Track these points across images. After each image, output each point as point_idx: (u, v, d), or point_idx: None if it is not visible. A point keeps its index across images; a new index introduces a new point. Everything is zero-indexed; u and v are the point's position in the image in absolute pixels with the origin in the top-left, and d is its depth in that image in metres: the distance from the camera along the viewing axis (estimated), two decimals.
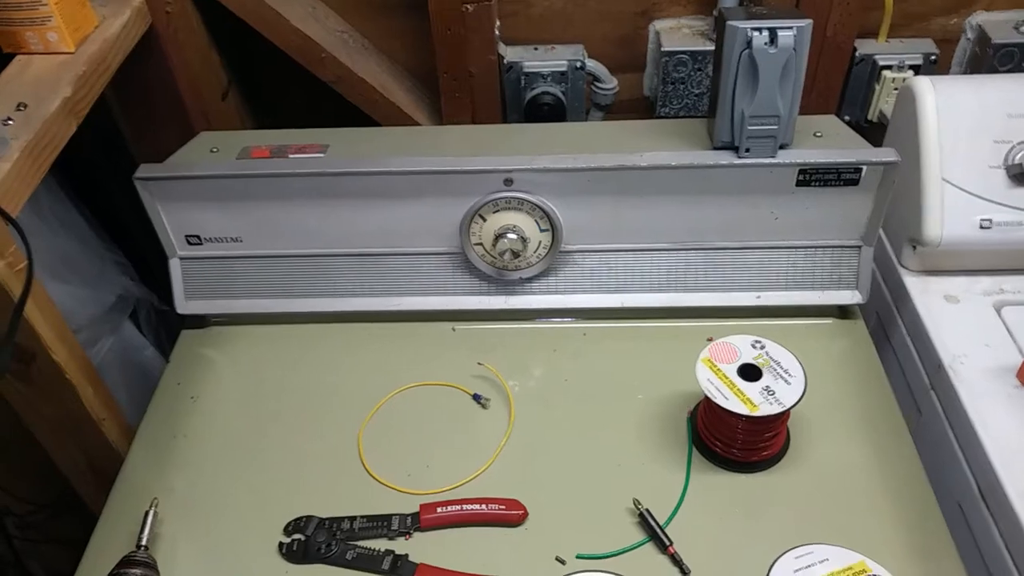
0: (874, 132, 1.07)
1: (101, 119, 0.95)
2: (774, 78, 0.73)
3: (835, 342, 0.84)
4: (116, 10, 0.91)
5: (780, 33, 0.71)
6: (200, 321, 0.89)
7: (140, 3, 0.94)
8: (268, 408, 0.81)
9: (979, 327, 0.84)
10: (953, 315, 0.86)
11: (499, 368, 0.82)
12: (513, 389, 0.80)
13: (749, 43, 0.72)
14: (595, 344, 0.85)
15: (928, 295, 0.88)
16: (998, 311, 0.86)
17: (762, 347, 0.71)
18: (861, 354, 0.83)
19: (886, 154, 0.77)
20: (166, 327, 1.27)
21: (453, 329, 0.87)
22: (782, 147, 0.78)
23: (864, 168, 0.77)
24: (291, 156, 0.83)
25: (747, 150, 0.77)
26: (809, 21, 0.72)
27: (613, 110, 1.14)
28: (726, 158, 0.78)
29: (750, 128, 0.75)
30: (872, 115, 1.08)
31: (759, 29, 0.71)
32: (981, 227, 0.85)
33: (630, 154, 0.78)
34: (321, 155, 0.83)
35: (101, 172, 1.20)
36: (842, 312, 0.86)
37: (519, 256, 0.81)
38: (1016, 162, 0.84)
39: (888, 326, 0.93)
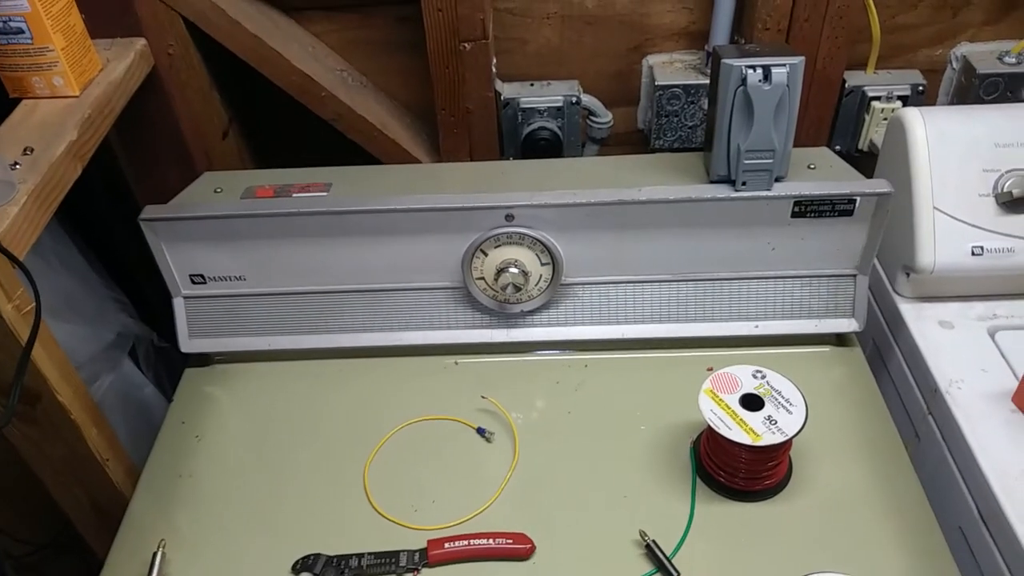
0: (865, 161, 1.09)
1: (102, 157, 0.97)
2: (769, 114, 0.75)
3: (833, 370, 0.85)
4: (120, 53, 0.93)
5: (774, 70, 0.73)
6: (204, 359, 0.90)
7: (143, 46, 0.95)
8: (273, 446, 0.81)
9: (974, 352, 0.86)
10: (948, 341, 0.87)
11: (502, 401, 0.82)
12: (517, 422, 0.81)
13: (744, 80, 0.74)
14: (597, 376, 0.86)
15: (923, 321, 0.90)
16: (992, 336, 0.88)
17: (763, 377, 0.72)
18: (859, 381, 0.84)
19: (879, 185, 0.79)
20: (165, 364, 1.27)
21: (456, 363, 0.87)
22: (777, 180, 0.80)
23: (858, 199, 0.79)
24: (295, 195, 0.84)
25: (743, 183, 0.79)
26: (802, 58, 0.74)
27: (608, 143, 1.16)
28: (723, 191, 0.79)
29: (746, 162, 0.77)
30: (863, 145, 1.11)
31: (753, 67, 0.73)
32: (973, 254, 0.87)
33: (629, 189, 0.80)
34: (324, 194, 0.84)
35: (101, 210, 1.21)
36: (839, 340, 0.88)
37: (521, 290, 0.82)
38: (1005, 190, 0.86)
39: (884, 352, 0.95)
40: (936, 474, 0.81)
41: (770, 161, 0.77)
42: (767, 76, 0.74)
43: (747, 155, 0.77)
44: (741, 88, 0.74)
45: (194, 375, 0.89)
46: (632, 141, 1.19)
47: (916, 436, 0.86)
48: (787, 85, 0.74)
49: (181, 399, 0.86)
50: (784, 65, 0.74)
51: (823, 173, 0.83)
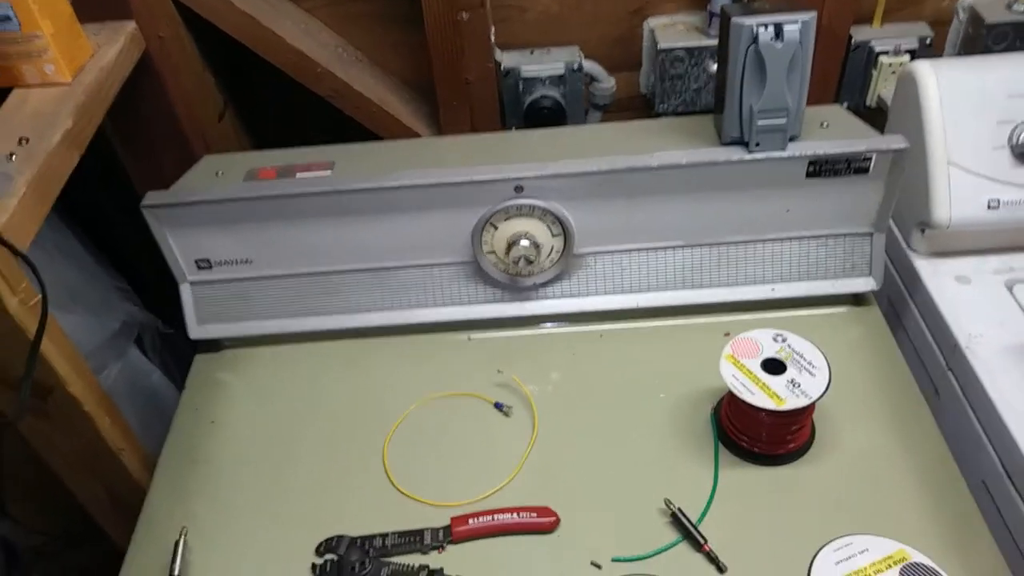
0: (873, 117, 1.07)
1: (97, 144, 0.95)
2: (781, 72, 0.73)
3: (851, 329, 0.84)
4: (110, 38, 0.90)
5: (786, 27, 0.71)
6: (214, 345, 0.88)
7: (133, 30, 0.93)
8: (289, 429, 0.80)
9: (992, 306, 0.85)
10: (965, 296, 0.86)
11: (518, 375, 0.81)
12: (534, 395, 0.80)
13: (755, 39, 0.72)
14: (613, 346, 0.85)
15: (939, 277, 0.89)
16: (1010, 289, 0.87)
17: (784, 340, 0.71)
18: (878, 340, 0.83)
19: (895, 141, 0.77)
20: (171, 351, 1.27)
21: (469, 339, 0.86)
22: (791, 139, 0.78)
23: (874, 156, 0.78)
24: (298, 175, 0.82)
25: (757, 144, 0.77)
26: (813, 13, 0.72)
27: (611, 109, 1.14)
28: (737, 154, 0.78)
29: (759, 123, 0.75)
30: (871, 100, 1.09)
31: (764, 24, 0.71)
32: (989, 207, 0.86)
33: (640, 155, 0.78)
34: (328, 173, 0.83)
35: (99, 197, 1.20)
36: (856, 300, 0.87)
37: (533, 262, 0.81)
38: (1021, 141, 0.85)
39: (900, 310, 0.94)
40: (957, 429, 0.80)
41: (784, 121, 0.75)
42: (779, 34, 0.72)
43: (760, 115, 0.75)
44: (752, 47, 0.72)
45: (205, 361, 0.88)
46: (635, 106, 1.17)
47: (935, 392, 0.86)
48: (800, 42, 0.72)
49: (193, 386, 0.85)
50: (796, 21, 0.72)
51: (837, 131, 0.81)
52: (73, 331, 1.05)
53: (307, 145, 0.91)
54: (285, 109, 1.16)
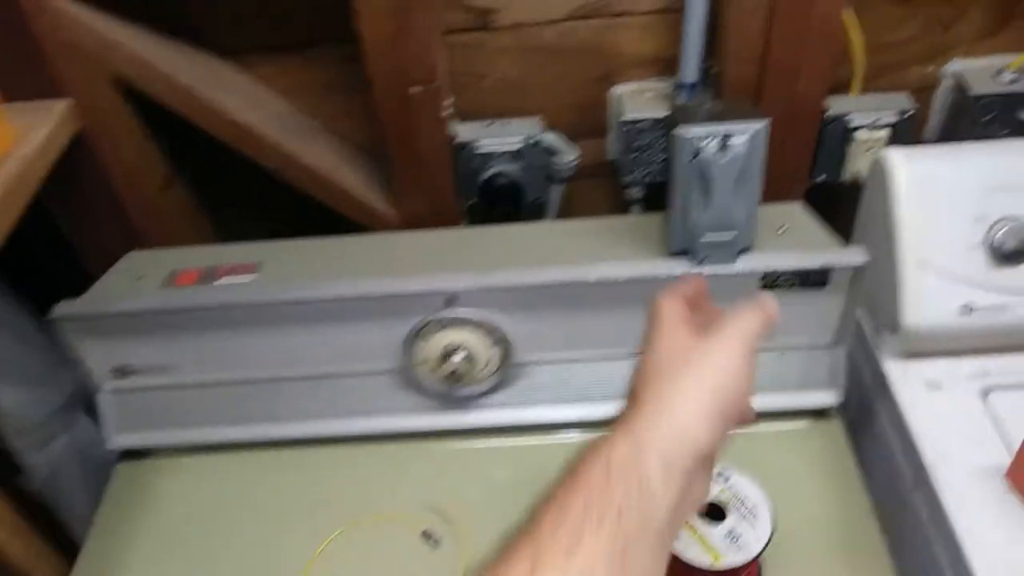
0: (849, 193, 1.01)
1: (42, 207, 0.91)
2: (727, 187, 0.67)
3: (811, 445, 0.79)
4: (41, 118, 0.86)
5: (732, 141, 0.66)
6: (137, 453, 0.84)
7: (64, 107, 0.88)
8: (207, 552, 0.76)
9: (964, 418, 0.79)
10: (936, 405, 0.80)
11: (453, 493, 0.76)
12: (466, 520, 0.75)
13: (698, 152, 0.66)
14: (556, 462, 0.79)
15: (909, 383, 0.83)
16: (984, 397, 0.81)
17: (727, 480, 0.66)
18: (837, 460, 0.78)
19: (854, 255, 0.72)
20: None
21: (402, 450, 0.81)
22: (743, 251, 0.73)
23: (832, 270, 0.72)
24: (220, 280, 0.78)
25: (704, 258, 0.72)
26: (765, 122, 0.67)
27: (577, 178, 1.08)
28: (682, 268, 0.72)
29: (705, 239, 0.70)
30: (847, 176, 1.03)
31: (708, 137, 0.66)
32: (961, 313, 0.80)
33: (579, 267, 0.73)
34: (252, 277, 0.78)
35: (42, 263, 1.16)
36: (817, 413, 0.81)
37: (466, 376, 0.76)
38: (996, 242, 0.79)
39: (870, 412, 0.88)
40: (924, 559, 0.75)
41: (731, 236, 0.70)
42: (725, 146, 0.66)
43: (707, 229, 0.70)
44: (696, 160, 0.67)
45: (125, 470, 0.83)
46: (602, 173, 1.11)
47: (903, 507, 0.80)
48: (747, 155, 0.67)
49: (111, 498, 0.81)
50: (744, 132, 0.66)
51: (794, 238, 0.76)
52: (18, 404, 1.02)
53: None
54: (238, 175, 1.12)
